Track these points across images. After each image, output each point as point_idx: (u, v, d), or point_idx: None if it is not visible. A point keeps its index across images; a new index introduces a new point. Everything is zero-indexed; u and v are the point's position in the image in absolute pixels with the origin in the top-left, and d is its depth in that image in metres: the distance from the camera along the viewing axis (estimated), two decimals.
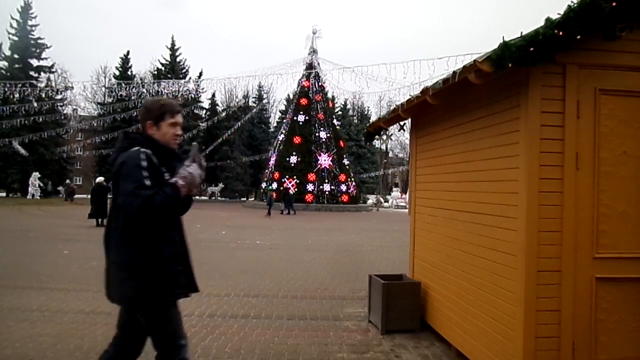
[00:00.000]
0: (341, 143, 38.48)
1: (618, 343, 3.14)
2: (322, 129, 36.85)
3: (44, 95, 34.48)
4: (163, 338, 2.44)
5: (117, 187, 2.30)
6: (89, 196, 17.88)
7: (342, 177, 36.03)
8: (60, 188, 43.90)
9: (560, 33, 2.82)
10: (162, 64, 47.39)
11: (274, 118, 60.92)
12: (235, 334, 4.74)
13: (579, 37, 2.88)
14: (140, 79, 43.67)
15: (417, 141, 5.46)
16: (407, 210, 10.07)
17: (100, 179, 17.87)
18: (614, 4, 2.85)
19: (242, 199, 50.64)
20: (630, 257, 3.14)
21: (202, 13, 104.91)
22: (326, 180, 35.20)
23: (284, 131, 38.78)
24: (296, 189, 34.72)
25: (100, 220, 16.30)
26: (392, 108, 5.42)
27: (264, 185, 37.30)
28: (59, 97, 40.10)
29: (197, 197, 50.25)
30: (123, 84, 35.95)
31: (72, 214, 22.44)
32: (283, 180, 35.08)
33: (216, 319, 5.26)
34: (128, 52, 47.44)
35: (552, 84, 3.08)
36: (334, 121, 40.14)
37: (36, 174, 38.65)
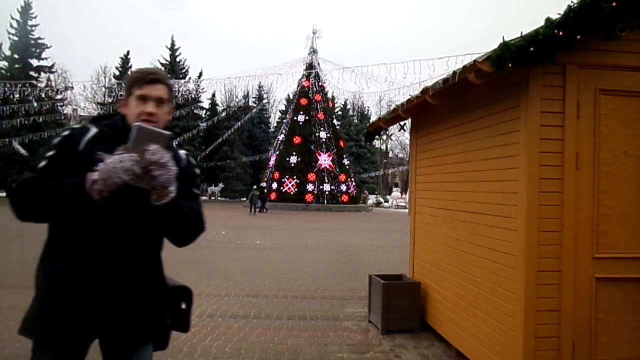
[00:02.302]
0: (341, 143, 38.47)
1: (618, 343, 3.14)
2: (322, 129, 36.84)
3: (44, 95, 34.47)
4: None
5: None
6: None
7: (342, 177, 36.02)
8: None
9: (560, 33, 2.82)
10: (162, 64, 47.30)
11: (274, 118, 60.89)
12: (235, 334, 4.74)
13: (579, 37, 2.88)
14: None
15: (417, 141, 5.46)
16: (407, 210, 10.07)
17: None
18: (614, 4, 2.85)
19: (242, 199, 50.63)
20: (630, 257, 3.14)
21: (202, 13, 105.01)
22: (326, 180, 35.19)
23: (284, 131, 38.76)
24: (296, 189, 34.74)
25: None
26: (392, 108, 5.42)
27: (263, 184, 37.33)
28: (59, 97, 40.06)
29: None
30: (123, 84, 35.89)
31: None
32: (283, 180, 35.10)
33: (216, 319, 5.26)
34: (128, 52, 47.40)
35: (552, 84, 3.09)
36: (334, 121, 40.12)
37: None
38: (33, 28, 42.51)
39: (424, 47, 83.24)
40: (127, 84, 1.83)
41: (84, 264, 1.67)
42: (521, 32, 2.97)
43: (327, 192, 34.90)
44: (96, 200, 1.58)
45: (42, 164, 1.66)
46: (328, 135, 36.74)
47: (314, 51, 38.54)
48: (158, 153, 1.61)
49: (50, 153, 1.67)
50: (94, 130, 1.74)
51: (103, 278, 1.68)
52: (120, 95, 1.65)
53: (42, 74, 43.52)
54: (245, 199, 49.74)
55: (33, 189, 1.59)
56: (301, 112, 37.43)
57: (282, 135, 38.47)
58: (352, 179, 37.57)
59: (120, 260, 1.72)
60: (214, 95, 51.09)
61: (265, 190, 33.04)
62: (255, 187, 31.73)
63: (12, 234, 13.65)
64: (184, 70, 47.44)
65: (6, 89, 30.99)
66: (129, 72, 1.90)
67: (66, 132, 1.74)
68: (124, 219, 1.72)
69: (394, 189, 54.32)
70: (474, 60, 3.05)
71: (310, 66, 38.03)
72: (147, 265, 1.82)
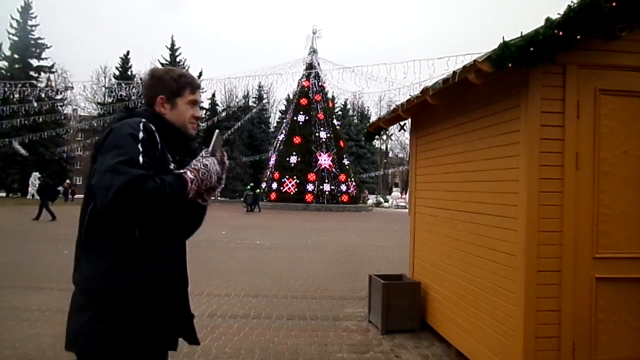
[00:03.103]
0: (341, 143, 38.48)
1: (618, 343, 3.14)
2: (322, 129, 36.85)
3: (43, 95, 34.49)
4: None
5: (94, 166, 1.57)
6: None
7: (342, 177, 36.02)
8: (60, 188, 43.95)
9: (560, 33, 2.82)
10: (162, 64, 47.38)
11: (274, 118, 60.96)
12: (235, 334, 4.74)
13: (579, 37, 2.88)
14: (140, 79, 43.61)
15: (417, 141, 5.46)
16: (407, 210, 10.08)
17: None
18: (614, 4, 2.85)
19: (241, 198, 50.72)
20: (630, 257, 3.14)
21: (202, 14, 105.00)
22: (326, 180, 35.20)
23: (284, 131, 38.78)
24: (296, 189, 34.75)
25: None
26: (392, 108, 5.42)
27: (263, 185, 37.36)
28: (59, 97, 40.11)
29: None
30: (123, 84, 35.95)
31: (71, 214, 22.40)
32: (283, 180, 35.11)
33: (216, 319, 5.26)
34: (128, 52, 47.44)
35: (552, 84, 3.09)
36: (334, 121, 40.14)
37: (36, 174, 38.61)
38: (33, 28, 42.59)
39: (424, 47, 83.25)
40: (175, 83, 1.78)
41: (170, 264, 1.68)
42: (521, 32, 2.97)
43: (327, 192, 34.90)
44: (187, 200, 1.62)
45: (141, 159, 1.52)
46: (328, 135, 36.74)
47: (314, 51, 38.56)
48: (226, 157, 1.78)
49: (141, 148, 1.54)
50: (153, 127, 1.65)
51: (183, 277, 1.77)
52: (121, 96, 1.64)
53: (42, 74, 43.59)
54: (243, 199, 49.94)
55: (145, 187, 1.46)
56: (301, 112, 37.43)
57: (282, 135, 38.48)
58: (352, 179, 37.57)
59: (184, 257, 1.82)
60: (214, 95, 51.12)
61: (258, 190, 33.31)
62: (248, 187, 32.04)
63: (12, 234, 13.65)
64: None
65: (6, 89, 30.98)
66: (168, 72, 1.83)
67: (142, 126, 1.60)
68: (186, 218, 1.79)
69: (394, 189, 54.34)
70: (474, 60, 3.05)
71: (310, 66, 38.04)
72: None
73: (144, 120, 1.64)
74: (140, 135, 1.57)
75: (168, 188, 1.51)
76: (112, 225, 1.55)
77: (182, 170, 1.63)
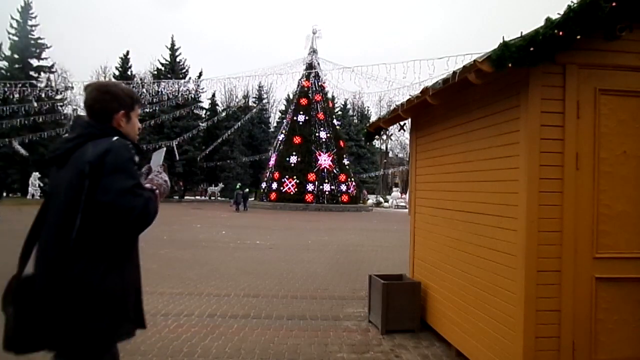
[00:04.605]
0: (341, 143, 38.46)
1: (618, 343, 3.14)
2: (322, 129, 36.83)
3: (43, 95, 34.46)
4: None
5: (99, 182, 1.73)
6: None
7: (342, 177, 36.01)
8: None
9: (560, 33, 2.82)
10: (162, 64, 47.34)
11: (274, 118, 60.96)
12: (235, 334, 4.74)
13: (579, 37, 2.88)
14: (140, 79, 43.61)
15: (417, 141, 5.46)
16: (407, 210, 10.07)
17: None
18: (614, 4, 2.85)
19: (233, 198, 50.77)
20: (630, 257, 3.14)
21: (202, 14, 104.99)
22: (326, 180, 35.18)
23: (284, 131, 38.76)
24: (296, 189, 34.76)
25: None
26: (392, 108, 5.42)
27: (263, 185, 37.37)
28: (59, 97, 40.09)
29: (198, 197, 50.32)
30: (123, 84, 35.95)
31: None
32: (283, 180, 35.12)
33: (216, 319, 5.26)
34: (128, 52, 47.32)
35: (552, 84, 3.09)
36: (334, 121, 40.11)
37: (36, 174, 38.63)
38: (33, 28, 42.50)
39: (424, 47, 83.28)
40: (130, 99, 2.02)
41: (136, 266, 1.99)
42: (521, 32, 2.98)
43: (327, 192, 34.89)
44: None
45: (142, 181, 1.89)
46: (328, 135, 36.73)
47: (314, 51, 38.53)
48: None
49: (138, 171, 1.91)
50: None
51: (140, 274, 2.06)
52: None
53: (42, 74, 43.51)
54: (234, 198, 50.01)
55: (151, 206, 1.80)
56: (301, 112, 37.42)
57: (282, 135, 38.45)
58: (352, 179, 37.55)
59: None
60: (214, 95, 51.12)
61: (247, 190, 33.64)
62: (238, 186, 32.19)
63: (13, 234, 13.67)
64: (183, 70, 47.40)
65: (6, 89, 30.97)
66: (119, 87, 2.06)
67: (134, 150, 1.87)
68: None
69: (394, 189, 54.29)
70: (474, 60, 3.05)
71: (310, 66, 38.01)
72: None
73: (130, 142, 1.89)
74: (136, 159, 1.85)
75: (157, 205, 1.85)
76: (106, 236, 1.79)
77: (149, 187, 1.91)
